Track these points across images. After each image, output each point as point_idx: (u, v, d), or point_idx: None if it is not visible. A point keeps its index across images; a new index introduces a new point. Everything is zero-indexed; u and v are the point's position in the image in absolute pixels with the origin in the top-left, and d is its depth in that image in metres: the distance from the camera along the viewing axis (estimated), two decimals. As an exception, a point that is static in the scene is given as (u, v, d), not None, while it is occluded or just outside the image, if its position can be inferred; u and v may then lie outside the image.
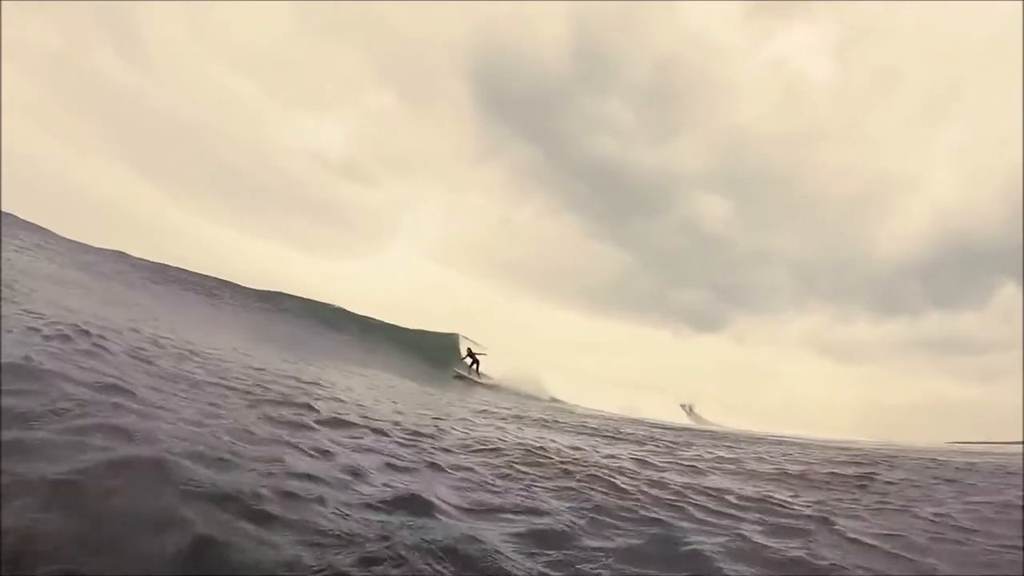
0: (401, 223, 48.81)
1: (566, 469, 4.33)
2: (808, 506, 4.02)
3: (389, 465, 3.42)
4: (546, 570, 2.14)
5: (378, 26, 53.91)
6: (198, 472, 2.25)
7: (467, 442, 5.05)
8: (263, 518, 2.04)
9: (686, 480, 4.70)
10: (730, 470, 5.87)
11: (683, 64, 55.10)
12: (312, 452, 3.22)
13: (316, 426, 4.08)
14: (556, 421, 10.24)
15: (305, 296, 21.50)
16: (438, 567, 1.94)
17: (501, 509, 2.90)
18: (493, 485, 3.42)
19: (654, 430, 11.56)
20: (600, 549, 2.47)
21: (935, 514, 4.04)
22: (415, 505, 2.57)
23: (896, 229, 54.79)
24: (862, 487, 5.28)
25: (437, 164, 57.13)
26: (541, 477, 3.93)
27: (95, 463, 2.08)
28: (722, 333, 47.43)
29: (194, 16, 46.18)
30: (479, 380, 19.19)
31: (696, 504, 3.64)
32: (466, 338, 21.31)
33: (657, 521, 3.03)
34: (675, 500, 3.68)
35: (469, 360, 19.61)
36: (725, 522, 3.24)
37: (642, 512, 3.20)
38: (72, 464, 2.03)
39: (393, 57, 55.62)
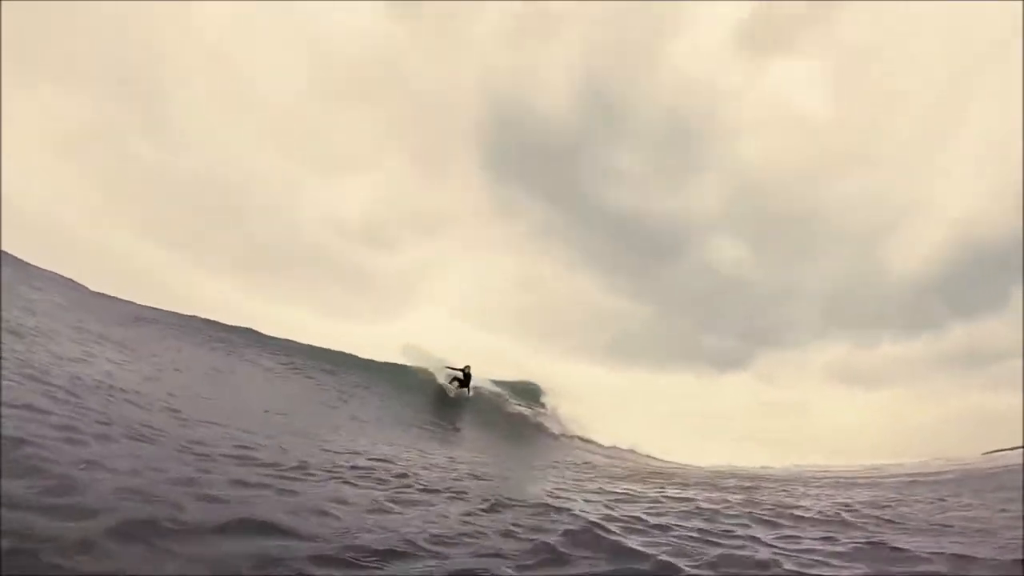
0: (424, 285, 49.31)
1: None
2: None
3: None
4: None
5: (389, 87, 56.39)
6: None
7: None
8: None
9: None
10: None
11: (685, 108, 56.69)
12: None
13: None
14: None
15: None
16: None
17: None
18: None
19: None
20: None
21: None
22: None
23: (910, 247, 54.46)
24: None
25: (455, 224, 58.44)
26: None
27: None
28: (747, 371, 46.32)
29: (219, 88, 48.34)
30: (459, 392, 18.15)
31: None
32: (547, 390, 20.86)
33: None
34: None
35: (461, 376, 18.03)
36: None
37: None
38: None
39: (404, 118, 57.86)
